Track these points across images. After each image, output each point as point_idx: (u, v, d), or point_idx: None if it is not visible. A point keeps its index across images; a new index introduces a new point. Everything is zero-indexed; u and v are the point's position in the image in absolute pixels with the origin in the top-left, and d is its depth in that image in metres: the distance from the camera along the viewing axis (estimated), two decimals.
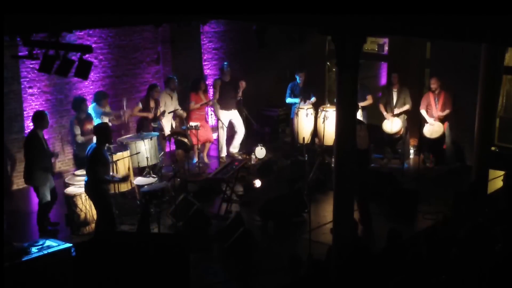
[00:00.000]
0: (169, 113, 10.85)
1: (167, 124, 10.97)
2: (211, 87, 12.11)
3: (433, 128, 10.94)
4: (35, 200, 8.81)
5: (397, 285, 5.68)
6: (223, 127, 11.55)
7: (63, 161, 10.90)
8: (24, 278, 6.49)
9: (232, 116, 11.66)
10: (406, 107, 11.19)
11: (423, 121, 11.07)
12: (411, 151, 11.69)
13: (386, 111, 11.30)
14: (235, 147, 11.77)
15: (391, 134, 11.30)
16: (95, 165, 7.83)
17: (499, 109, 11.53)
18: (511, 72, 11.53)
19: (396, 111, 11.18)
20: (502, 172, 8.99)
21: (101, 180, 7.86)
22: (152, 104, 10.65)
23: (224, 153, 11.67)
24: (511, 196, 7.92)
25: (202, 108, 11.39)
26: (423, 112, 11.01)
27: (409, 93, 11.24)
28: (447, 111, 10.81)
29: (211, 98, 11.71)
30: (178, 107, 11.08)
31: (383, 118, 11.34)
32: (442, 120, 10.88)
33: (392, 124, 11.17)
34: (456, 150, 11.12)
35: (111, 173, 8.26)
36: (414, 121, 11.41)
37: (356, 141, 6.96)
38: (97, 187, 7.91)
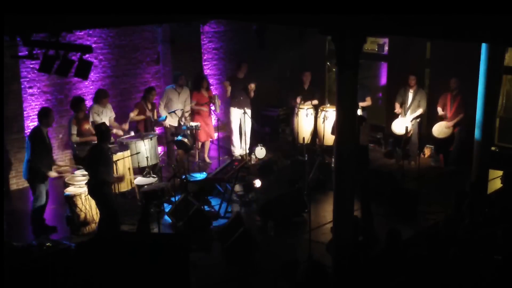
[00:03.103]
0: (169, 113, 10.84)
1: (174, 120, 10.94)
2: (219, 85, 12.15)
3: (441, 129, 10.94)
4: (32, 201, 8.80)
5: (397, 286, 5.68)
6: (231, 125, 11.53)
7: (63, 161, 10.90)
8: (24, 278, 6.49)
9: (242, 115, 11.58)
10: (420, 111, 11.16)
11: (429, 121, 11.02)
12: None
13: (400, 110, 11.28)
14: (243, 149, 11.69)
15: (399, 135, 11.28)
16: (97, 165, 7.82)
17: (499, 109, 11.52)
18: (511, 72, 11.52)
19: (409, 115, 11.14)
20: (502, 172, 8.98)
21: (103, 181, 7.84)
22: (149, 106, 10.63)
23: (237, 152, 11.66)
24: (511, 196, 7.91)
25: (205, 106, 11.37)
26: (439, 109, 10.99)
27: (425, 96, 11.22)
28: (461, 115, 10.79)
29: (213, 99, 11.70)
30: (181, 107, 11.01)
31: (383, 118, 11.33)
32: (454, 124, 10.87)
33: (401, 126, 11.12)
34: (464, 153, 11.05)
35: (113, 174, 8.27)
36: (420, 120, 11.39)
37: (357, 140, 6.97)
38: (99, 188, 7.89)
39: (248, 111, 11.53)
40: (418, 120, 11.24)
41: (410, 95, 11.21)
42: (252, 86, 11.44)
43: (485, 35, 5.73)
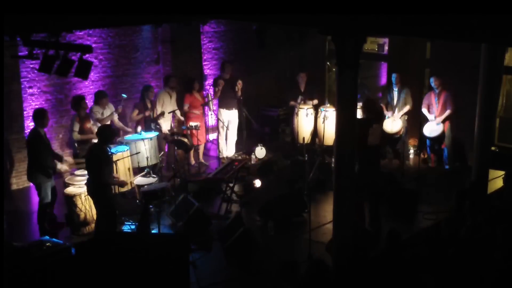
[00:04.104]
0: (168, 113, 10.84)
1: (166, 123, 10.94)
2: (211, 86, 12.10)
3: (432, 127, 10.93)
4: (35, 200, 8.81)
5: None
6: (223, 127, 11.53)
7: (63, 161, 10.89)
8: (24, 278, 6.49)
9: (231, 116, 11.62)
10: (407, 107, 11.16)
11: (423, 121, 11.07)
12: (411, 151, 11.68)
13: (387, 110, 11.29)
14: (230, 151, 11.69)
15: (391, 134, 11.29)
16: (100, 166, 7.81)
17: (499, 109, 11.53)
18: (511, 72, 11.53)
19: (397, 113, 11.15)
20: (502, 172, 9.00)
21: (104, 181, 7.84)
22: (148, 105, 10.61)
23: (225, 153, 11.64)
24: (511, 196, 7.92)
25: (198, 108, 11.36)
26: (424, 111, 10.99)
27: (410, 93, 11.24)
28: (448, 112, 10.78)
29: (206, 98, 11.70)
30: (176, 108, 11.03)
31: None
32: (443, 120, 10.87)
33: (393, 124, 11.16)
34: (457, 150, 11.11)
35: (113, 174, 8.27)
36: (414, 121, 11.41)
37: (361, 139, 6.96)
38: (99, 188, 7.89)
39: (235, 111, 11.53)
40: (406, 117, 11.23)
41: (395, 93, 11.22)
42: (240, 83, 11.39)
43: (485, 35, 5.73)
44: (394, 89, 11.23)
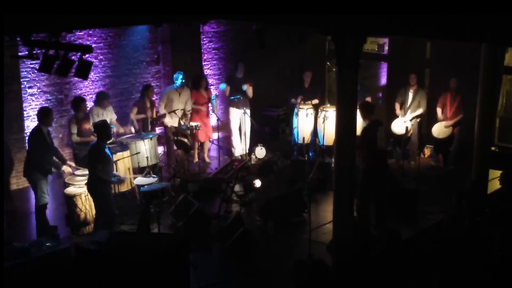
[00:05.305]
0: (169, 113, 10.83)
1: (174, 121, 10.94)
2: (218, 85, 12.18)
3: (441, 129, 10.93)
4: (34, 200, 8.79)
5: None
6: (230, 126, 11.55)
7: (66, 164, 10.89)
8: (24, 278, 6.49)
9: (240, 115, 11.59)
10: (420, 111, 11.13)
11: (423, 121, 11.05)
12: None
13: (400, 110, 11.27)
14: (243, 149, 11.67)
15: (398, 135, 11.27)
16: (95, 162, 7.86)
17: (499, 109, 11.53)
18: (511, 72, 11.53)
19: (409, 114, 11.13)
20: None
21: (99, 178, 7.87)
22: (148, 104, 10.60)
23: (237, 153, 11.65)
24: (510, 196, 7.91)
25: (204, 106, 11.37)
26: (438, 111, 10.98)
27: (426, 96, 11.21)
28: (460, 116, 10.77)
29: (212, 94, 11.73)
30: (181, 107, 11.01)
31: (383, 118, 11.31)
32: (453, 124, 10.86)
33: (401, 125, 11.11)
34: (461, 152, 11.07)
35: (114, 172, 8.27)
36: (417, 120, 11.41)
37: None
38: (97, 185, 7.94)
39: (248, 111, 11.53)
40: (418, 119, 11.23)
41: (411, 94, 11.18)
42: (251, 84, 11.41)
43: (485, 35, 5.73)
44: (410, 90, 11.18)
